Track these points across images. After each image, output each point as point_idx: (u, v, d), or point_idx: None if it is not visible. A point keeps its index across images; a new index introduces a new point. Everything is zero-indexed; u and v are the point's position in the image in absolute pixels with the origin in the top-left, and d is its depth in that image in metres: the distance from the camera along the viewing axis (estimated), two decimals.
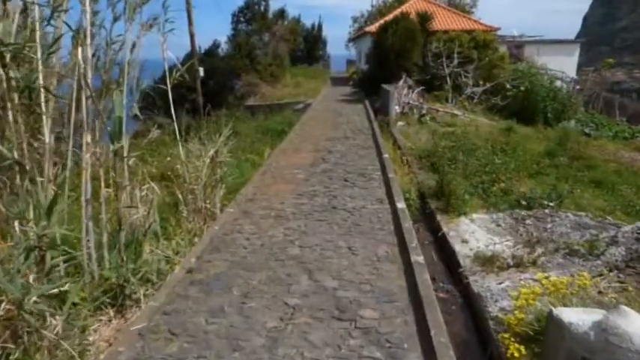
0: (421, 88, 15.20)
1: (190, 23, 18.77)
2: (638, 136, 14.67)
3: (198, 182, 5.24)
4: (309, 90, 24.88)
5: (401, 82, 16.13)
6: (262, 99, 25.36)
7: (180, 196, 5.23)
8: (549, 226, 5.20)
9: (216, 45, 34.69)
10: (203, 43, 31.02)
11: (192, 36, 18.75)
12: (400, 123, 13.13)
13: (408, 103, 13.72)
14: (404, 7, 25.02)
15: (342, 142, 10.58)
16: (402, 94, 14.15)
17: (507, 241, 4.99)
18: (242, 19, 32.26)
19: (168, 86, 4.87)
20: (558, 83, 16.83)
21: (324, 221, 5.50)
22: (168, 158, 7.02)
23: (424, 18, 18.47)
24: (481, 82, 15.91)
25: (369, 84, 18.22)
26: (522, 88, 14.83)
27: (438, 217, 5.65)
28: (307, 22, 47.40)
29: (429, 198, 6.43)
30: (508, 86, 15.64)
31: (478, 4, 39.09)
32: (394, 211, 5.75)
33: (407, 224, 5.22)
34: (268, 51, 31.61)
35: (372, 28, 25.40)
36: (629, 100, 28.25)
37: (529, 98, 15.51)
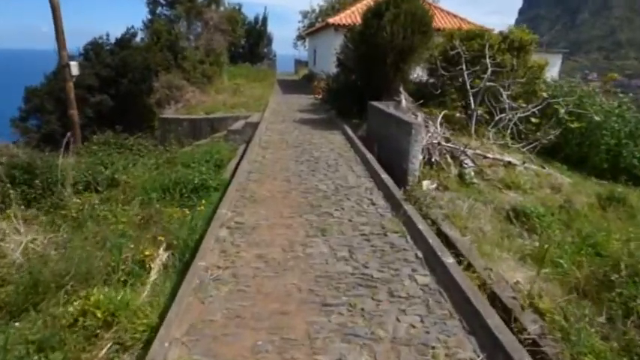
0: (442, 113, 9.10)
1: None
2: None
3: None
4: (252, 99, 18.10)
5: (404, 102, 9.98)
6: (186, 109, 18.15)
7: None
8: None
9: (131, 33, 26.93)
10: (116, 31, 23.23)
11: (54, 8, 11.17)
12: (428, 184, 6.90)
13: (438, 144, 7.52)
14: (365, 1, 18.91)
15: (362, 305, 3.61)
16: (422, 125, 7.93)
17: None
18: (162, 0, 24.64)
19: None
20: None
21: None
22: None
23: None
24: (523, 104, 10.16)
25: (347, 98, 11.85)
26: (597, 118, 9.29)
27: None
28: (249, 15, 40.09)
29: None
30: (562, 112, 10.04)
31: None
32: None
33: None
34: (199, 44, 24.29)
35: (340, 18, 19.14)
36: None
37: (589, 134, 10.10)
